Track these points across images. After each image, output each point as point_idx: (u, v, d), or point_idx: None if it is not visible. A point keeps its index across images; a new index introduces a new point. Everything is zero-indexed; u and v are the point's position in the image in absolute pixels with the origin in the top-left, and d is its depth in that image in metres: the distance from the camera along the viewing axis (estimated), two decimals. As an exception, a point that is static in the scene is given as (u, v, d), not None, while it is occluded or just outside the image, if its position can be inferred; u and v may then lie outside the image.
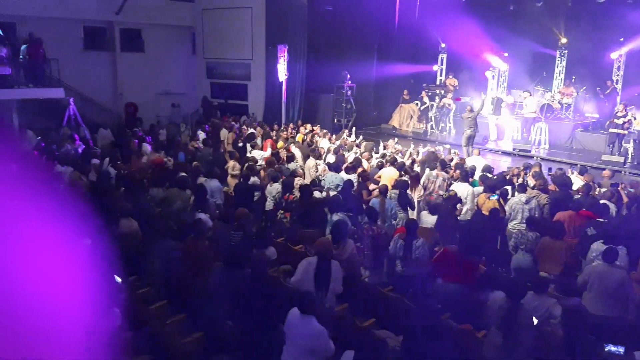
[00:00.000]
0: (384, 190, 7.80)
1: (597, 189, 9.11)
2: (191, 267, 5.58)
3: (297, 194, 7.96)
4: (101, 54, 17.84)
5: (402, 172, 9.27)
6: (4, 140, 9.60)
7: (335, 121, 18.36)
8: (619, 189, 8.69)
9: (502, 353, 4.35)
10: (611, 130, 14.21)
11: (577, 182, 9.40)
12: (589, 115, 16.98)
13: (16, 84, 12.23)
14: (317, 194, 8.02)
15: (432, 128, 18.05)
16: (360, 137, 14.44)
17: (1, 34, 12.65)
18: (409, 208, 8.09)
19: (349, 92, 17.93)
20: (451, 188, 8.54)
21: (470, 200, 8.21)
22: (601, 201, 7.84)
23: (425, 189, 9.05)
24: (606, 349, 4.16)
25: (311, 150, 11.09)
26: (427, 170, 9.70)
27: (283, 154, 11.10)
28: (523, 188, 8.06)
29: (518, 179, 9.52)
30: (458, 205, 7.98)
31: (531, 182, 9.01)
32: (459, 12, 18.04)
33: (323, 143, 12.85)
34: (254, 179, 8.77)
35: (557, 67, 17.68)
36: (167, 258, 5.92)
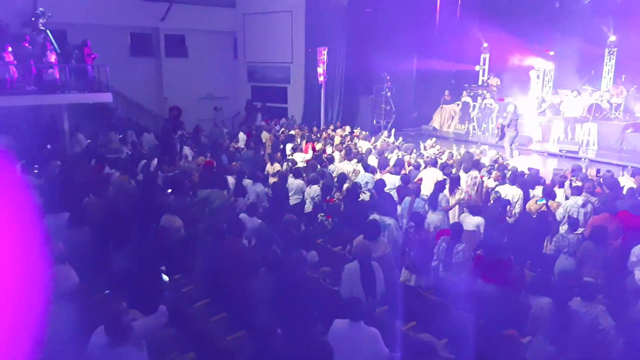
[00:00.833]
0: (416, 191, 7.71)
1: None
2: (230, 266, 5.68)
3: (337, 196, 7.98)
4: (147, 59, 18.44)
5: (444, 174, 9.13)
6: (56, 144, 10.00)
7: (375, 122, 18.28)
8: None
9: (549, 360, 4.22)
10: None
11: (629, 184, 9.01)
12: (640, 115, 16.23)
13: (66, 89, 12.77)
14: (362, 196, 8.02)
15: (474, 129, 17.69)
16: (400, 139, 14.31)
17: (52, 40, 13.25)
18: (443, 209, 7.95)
19: (389, 93, 17.81)
20: (497, 190, 8.35)
21: (521, 204, 8.01)
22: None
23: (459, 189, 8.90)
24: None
25: (346, 153, 11.08)
26: (462, 172, 9.56)
27: (322, 156, 11.15)
28: (578, 190, 7.79)
29: (567, 180, 9.21)
30: (507, 207, 7.78)
31: (578, 184, 8.70)
32: (501, 11, 17.63)
33: (362, 144, 12.82)
34: (297, 182, 8.79)
35: (606, 65, 16.98)
36: (209, 257, 6.06)
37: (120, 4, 16.53)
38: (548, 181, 9.75)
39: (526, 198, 8.29)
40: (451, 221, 8.00)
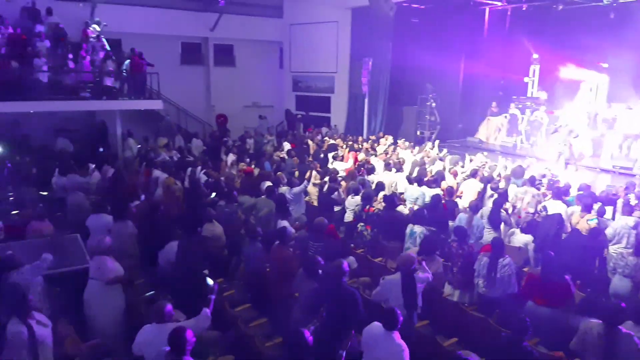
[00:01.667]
0: (473, 207, 7.54)
1: None
2: (275, 273, 5.75)
3: (377, 206, 7.93)
4: (196, 68, 19.01)
5: (489, 188, 8.92)
6: (107, 147, 10.45)
7: (418, 133, 18.10)
8: None
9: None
10: None
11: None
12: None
13: (120, 96, 13.33)
14: (400, 207, 7.95)
15: (522, 142, 17.21)
16: (445, 150, 14.10)
17: (109, 49, 13.88)
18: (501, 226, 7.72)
19: (433, 104, 17.62)
20: (543, 205, 8.08)
21: (565, 220, 7.70)
22: None
23: (513, 206, 8.65)
24: None
25: (386, 164, 11.01)
26: (514, 186, 9.29)
27: (364, 166, 11.12)
28: (629, 210, 7.42)
29: (619, 198, 8.79)
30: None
31: (633, 202, 8.30)
32: (552, 22, 17.13)
33: (405, 155, 12.71)
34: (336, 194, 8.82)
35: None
36: (252, 263, 6.16)
37: (173, 14, 17.16)
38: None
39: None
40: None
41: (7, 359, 3.98)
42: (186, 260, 5.65)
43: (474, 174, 9.77)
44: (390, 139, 15.06)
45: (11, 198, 8.84)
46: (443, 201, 8.08)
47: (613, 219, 7.93)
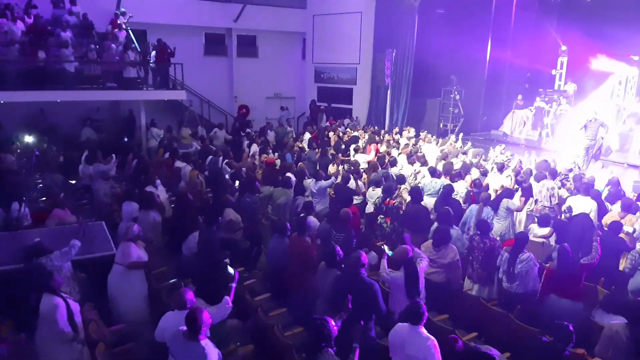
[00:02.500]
0: (485, 199, 7.47)
1: None
2: (295, 263, 5.78)
3: (397, 200, 7.88)
4: (219, 59, 19.08)
5: (514, 181, 8.80)
6: (132, 137, 10.60)
7: (441, 126, 17.92)
8: None
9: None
10: None
11: None
12: None
13: (145, 86, 13.48)
14: (425, 200, 7.90)
15: (547, 136, 16.88)
16: (469, 144, 13.92)
17: (133, 39, 14.04)
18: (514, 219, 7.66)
19: (457, 97, 17.39)
20: (568, 201, 7.93)
21: (595, 216, 7.56)
22: None
23: (535, 200, 8.53)
24: None
25: (408, 156, 10.94)
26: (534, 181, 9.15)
27: (386, 158, 11.06)
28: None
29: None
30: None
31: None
32: (582, 13, 16.68)
33: (427, 148, 12.60)
34: (350, 183, 8.82)
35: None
36: (272, 253, 6.20)
37: (197, 5, 17.25)
38: (630, 194, 9.15)
39: (601, 211, 7.80)
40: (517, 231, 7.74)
41: (45, 333, 4.14)
42: (207, 248, 5.73)
43: (500, 168, 9.65)
44: (412, 131, 14.94)
45: (39, 186, 9.07)
46: (471, 193, 8.05)
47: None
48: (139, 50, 13.51)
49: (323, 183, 8.59)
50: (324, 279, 5.05)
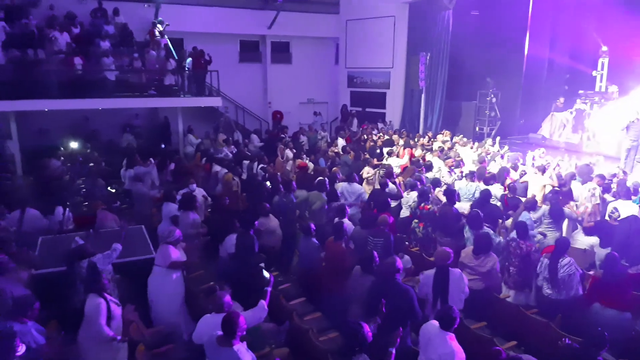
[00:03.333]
0: (531, 205, 7.27)
1: None
2: (329, 267, 5.78)
3: (433, 204, 7.79)
4: (254, 65, 19.37)
5: (555, 185, 8.57)
6: (169, 143, 10.89)
7: (477, 129, 17.58)
8: None
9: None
10: None
11: None
12: None
13: (182, 93, 13.79)
14: (459, 204, 7.79)
15: (588, 139, 16.33)
16: (505, 147, 13.63)
17: (171, 47, 14.39)
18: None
19: (494, 99, 17.05)
20: (614, 207, 7.64)
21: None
22: None
23: (577, 206, 8.27)
24: None
25: (445, 159, 10.79)
26: (578, 184, 8.87)
27: (421, 162, 10.95)
28: None
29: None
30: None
31: None
32: (625, 11, 16.08)
33: (463, 152, 12.40)
34: (391, 187, 8.79)
35: None
36: (307, 259, 6.23)
37: (232, 13, 17.56)
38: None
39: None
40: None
41: (87, 332, 4.28)
42: (243, 253, 5.80)
43: (542, 171, 9.41)
44: (448, 134, 14.74)
45: (82, 191, 9.39)
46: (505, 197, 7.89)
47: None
48: (176, 58, 13.84)
49: (356, 187, 8.57)
50: (359, 284, 5.03)
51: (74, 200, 8.69)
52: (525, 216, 7.09)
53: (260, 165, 10.41)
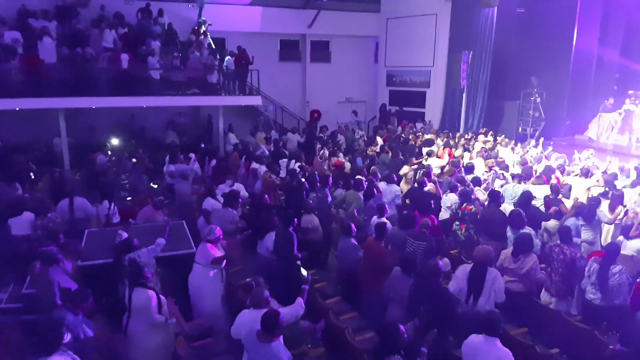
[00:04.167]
0: (578, 210, 7.02)
1: None
2: (368, 267, 5.77)
3: (474, 205, 7.63)
4: (293, 64, 19.49)
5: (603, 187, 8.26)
6: (209, 142, 11.20)
7: (520, 130, 17.12)
8: None
9: None
10: None
11: None
12: None
13: (223, 92, 14.03)
14: (503, 206, 7.61)
15: (637, 141, 15.64)
16: (550, 148, 13.22)
17: (213, 46, 14.65)
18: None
19: (538, 99, 16.56)
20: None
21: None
22: None
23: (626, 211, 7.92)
24: None
25: (486, 159, 10.57)
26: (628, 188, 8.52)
27: (461, 163, 10.76)
28: None
29: None
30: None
31: None
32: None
33: (505, 153, 12.11)
34: (429, 186, 8.69)
35: None
36: (346, 256, 6.23)
37: (274, 12, 17.73)
38: None
39: None
40: (604, 243, 7.25)
41: (138, 322, 4.44)
42: (283, 250, 5.86)
43: (585, 173, 9.09)
44: (490, 134, 14.43)
45: (127, 185, 9.71)
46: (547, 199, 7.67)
47: None
48: (218, 57, 14.09)
49: (394, 188, 8.51)
50: (399, 285, 5.00)
51: (119, 194, 8.99)
52: (571, 221, 6.86)
53: (298, 164, 10.48)
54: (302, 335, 4.98)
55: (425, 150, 12.24)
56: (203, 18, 15.54)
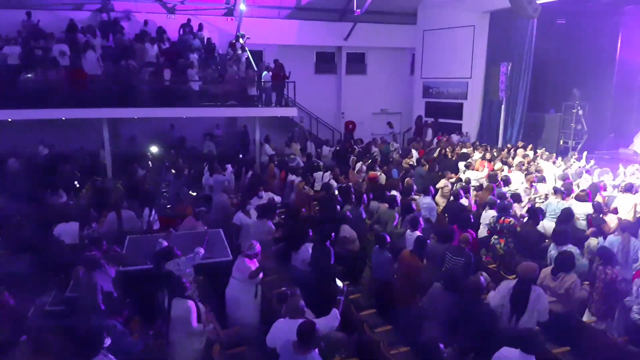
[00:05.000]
0: (627, 227, 6.72)
1: None
2: (404, 280, 5.71)
3: (512, 220, 7.46)
4: (329, 76, 19.65)
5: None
6: (246, 153, 11.38)
7: (561, 143, 16.68)
8: None
9: None
10: None
11: None
12: None
13: (259, 103, 14.27)
14: (543, 223, 7.42)
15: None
16: (592, 162, 12.81)
17: (251, 59, 14.94)
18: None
19: (580, 111, 16.10)
20: None
21: None
22: None
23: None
24: None
25: (526, 174, 10.32)
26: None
27: (500, 176, 10.54)
28: None
29: None
30: None
31: None
32: None
33: (545, 167, 11.79)
34: (465, 200, 8.55)
35: None
36: (380, 268, 6.19)
37: (310, 26, 17.95)
38: None
39: None
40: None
41: (178, 331, 4.54)
42: (321, 264, 5.87)
43: (629, 188, 8.74)
44: (530, 147, 14.10)
45: (166, 195, 9.95)
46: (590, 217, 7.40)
47: None
48: (255, 69, 14.35)
49: (428, 200, 8.41)
50: (439, 301, 4.92)
51: (159, 202, 9.22)
52: (613, 242, 6.58)
53: (332, 175, 10.50)
54: (337, 346, 4.97)
55: (461, 164, 12.06)
56: (241, 32, 15.89)
